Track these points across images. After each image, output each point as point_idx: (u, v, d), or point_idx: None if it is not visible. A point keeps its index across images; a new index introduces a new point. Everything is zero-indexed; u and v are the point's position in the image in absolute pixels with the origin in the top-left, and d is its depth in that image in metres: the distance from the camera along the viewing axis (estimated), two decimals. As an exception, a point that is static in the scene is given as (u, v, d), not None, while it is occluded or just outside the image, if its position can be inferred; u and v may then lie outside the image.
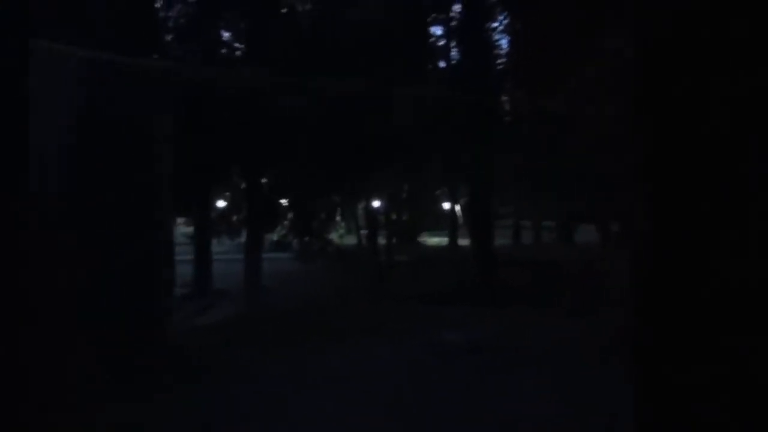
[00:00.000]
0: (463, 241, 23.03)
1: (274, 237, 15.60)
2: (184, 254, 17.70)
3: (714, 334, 1.87)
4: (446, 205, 29.51)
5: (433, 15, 18.34)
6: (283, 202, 16.00)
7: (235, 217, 16.43)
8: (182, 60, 13.17)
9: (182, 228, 18.95)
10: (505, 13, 16.96)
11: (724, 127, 1.85)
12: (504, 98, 17.81)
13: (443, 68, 19.85)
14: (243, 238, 14.97)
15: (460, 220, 26.85)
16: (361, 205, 22.36)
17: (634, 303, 2.11)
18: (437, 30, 19.87)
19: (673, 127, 1.97)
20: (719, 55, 1.85)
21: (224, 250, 18.76)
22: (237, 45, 14.81)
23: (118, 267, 6.37)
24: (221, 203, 19.63)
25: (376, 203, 20.74)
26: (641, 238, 2.12)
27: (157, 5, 12.40)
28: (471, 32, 15.99)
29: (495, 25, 17.49)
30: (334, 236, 21.91)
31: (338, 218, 31.99)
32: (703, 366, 1.89)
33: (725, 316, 1.84)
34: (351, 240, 26.01)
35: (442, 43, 19.74)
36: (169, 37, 13.36)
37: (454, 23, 18.57)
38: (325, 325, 10.40)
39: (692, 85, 1.91)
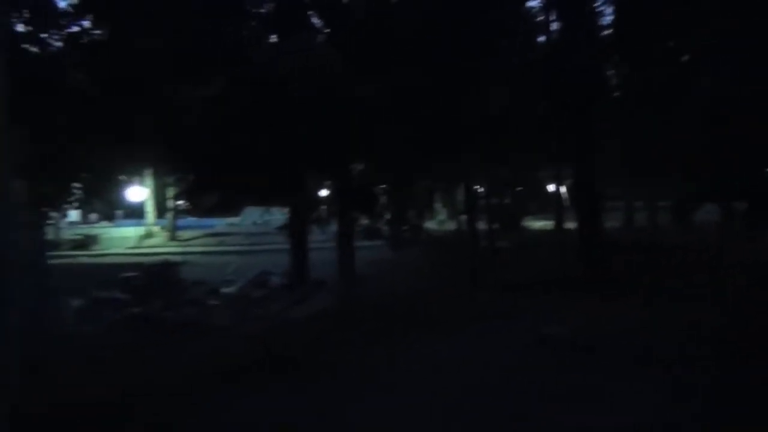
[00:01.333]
0: (570, 225, 21.77)
1: (367, 224, 15.26)
2: (281, 243, 17.87)
3: None
4: (551, 187, 28.19)
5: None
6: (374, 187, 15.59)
7: (325, 206, 16.23)
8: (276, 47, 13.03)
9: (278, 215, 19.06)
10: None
11: None
12: (610, 72, 16.53)
13: (543, 43, 18.74)
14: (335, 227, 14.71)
15: (566, 203, 25.51)
16: (460, 190, 21.68)
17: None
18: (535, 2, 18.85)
19: None
20: None
21: (323, 238, 18.77)
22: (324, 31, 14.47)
23: None
24: (322, 191, 19.55)
25: (476, 187, 19.98)
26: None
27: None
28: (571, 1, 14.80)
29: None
30: (432, 222, 21.40)
31: (437, 204, 31.54)
32: None
33: None
34: (450, 226, 25.40)
35: (541, 18, 18.65)
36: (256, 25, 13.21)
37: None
38: (423, 316, 9.89)
39: None
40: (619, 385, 5.87)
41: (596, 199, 14.18)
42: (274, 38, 13.50)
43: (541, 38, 18.58)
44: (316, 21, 13.80)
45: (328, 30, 12.98)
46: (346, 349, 7.97)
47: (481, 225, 18.95)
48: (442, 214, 31.93)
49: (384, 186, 15.55)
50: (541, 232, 26.02)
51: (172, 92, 11.25)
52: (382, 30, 11.83)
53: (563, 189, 25.73)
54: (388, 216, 15.60)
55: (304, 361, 7.48)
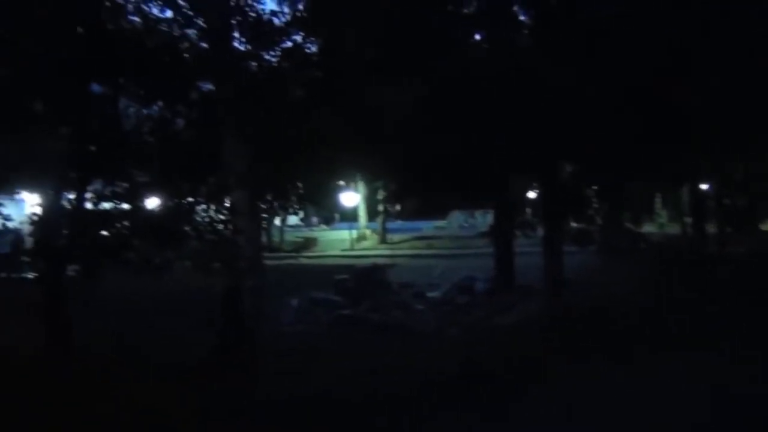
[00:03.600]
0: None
1: (576, 228, 14.24)
2: (487, 247, 17.50)
3: None
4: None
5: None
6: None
7: (531, 209, 15.50)
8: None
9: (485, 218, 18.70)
10: None
11: None
12: None
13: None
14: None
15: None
16: (685, 190, 19.57)
17: None
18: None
19: None
20: None
21: (530, 242, 18.07)
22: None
23: None
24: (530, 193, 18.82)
25: (703, 186, 17.86)
26: None
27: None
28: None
29: None
30: (651, 226, 19.57)
31: (657, 205, 28.93)
32: None
33: None
34: (673, 229, 23.09)
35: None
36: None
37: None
38: (644, 331, 8.90)
39: None
40: None
41: None
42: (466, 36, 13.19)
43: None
44: (520, 15, 13.24)
45: (534, 22, 12.33)
46: (553, 363, 7.40)
47: (710, 228, 16.84)
48: (662, 216, 29.26)
49: (596, 187, 14.43)
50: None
51: (380, 97, 11.48)
52: (596, 15, 10.94)
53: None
54: (600, 219, 14.45)
55: (506, 375, 7.08)
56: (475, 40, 13.07)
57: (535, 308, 11.30)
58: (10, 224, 11.13)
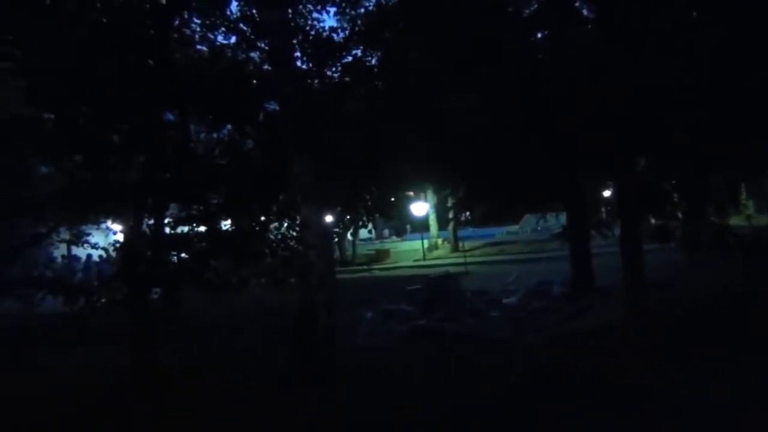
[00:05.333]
0: None
1: (655, 225, 13.56)
2: (562, 250, 17.03)
3: None
4: None
5: None
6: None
7: (605, 208, 14.94)
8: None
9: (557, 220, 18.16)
10: None
11: None
12: None
13: None
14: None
15: None
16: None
17: None
18: None
19: None
20: None
21: (606, 243, 17.46)
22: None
23: None
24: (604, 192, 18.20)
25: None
26: None
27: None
28: None
29: None
30: (738, 219, 18.48)
31: (743, 196, 27.36)
32: None
33: None
34: (762, 221, 21.81)
35: None
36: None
37: None
38: (743, 335, 8.31)
39: None
40: None
41: None
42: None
43: None
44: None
45: (601, 16, 11.95)
46: (638, 369, 7.07)
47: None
48: (749, 207, 27.69)
49: (675, 180, 13.75)
50: None
51: (443, 104, 11.42)
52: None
53: None
54: (680, 214, 13.75)
55: (590, 383, 6.83)
56: (538, 39, 12.80)
57: (616, 311, 10.87)
58: (96, 252, 11.72)
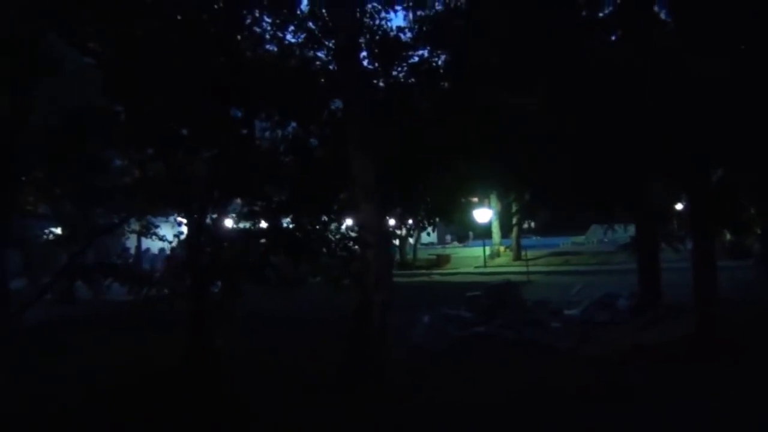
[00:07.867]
0: None
1: (730, 240, 12.89)
2: (630, 263, 16.42)
3: None
4: None
5: None
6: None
7: (677, 220, 14.28)
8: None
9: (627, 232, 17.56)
10: None
11: None
12: None
13: None
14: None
15: None
16: None
17: None
18: None
19: None
20: None
21: (678, 257, 16.75)
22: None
23: None
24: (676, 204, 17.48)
25: None
26: None
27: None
28: None
29: None
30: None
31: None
32: None
33: None
34: None
35: None
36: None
37: None
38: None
39: None
40: None
41: None
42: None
43: None
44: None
45: (678, 16, 11.48)
46: (704, 384, 6.72)
47: None
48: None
49: (752, 192, 13.04)
50: None
51: (508, 106, 11.22)
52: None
53: None
54: (759, 229, 13.02)
55: (650, 396, 6.52)
56: (611, 42, 12.40)
57: (685, 326, 10.36)
58: (161, 244, 12.08)
